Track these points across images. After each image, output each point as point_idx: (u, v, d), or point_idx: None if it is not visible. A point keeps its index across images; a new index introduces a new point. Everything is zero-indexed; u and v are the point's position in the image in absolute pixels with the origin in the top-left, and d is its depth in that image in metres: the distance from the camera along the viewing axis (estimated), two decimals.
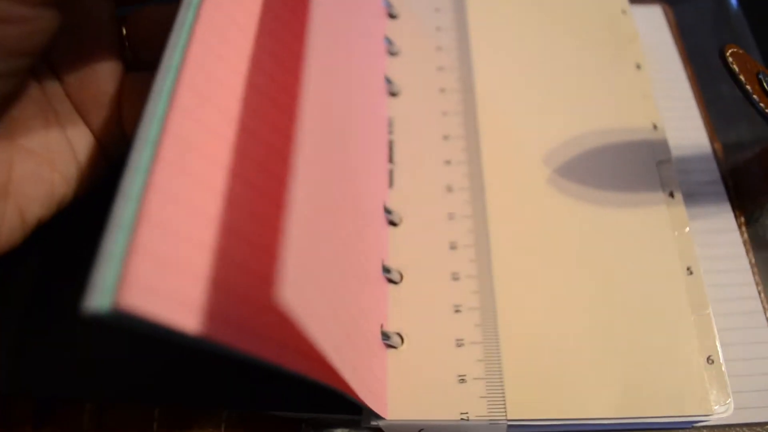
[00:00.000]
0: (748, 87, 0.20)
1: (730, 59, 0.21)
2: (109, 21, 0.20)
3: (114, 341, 0.20)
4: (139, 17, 0.22)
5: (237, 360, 0.12)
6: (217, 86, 0.14)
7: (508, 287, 0.21)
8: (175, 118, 0.12)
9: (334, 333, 0.14)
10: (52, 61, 0.20)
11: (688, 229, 0.22)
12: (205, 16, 0.14)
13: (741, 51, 0.21)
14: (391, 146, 0.24)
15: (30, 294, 0.22)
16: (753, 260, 0.23)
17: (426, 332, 0.20)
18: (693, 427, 0.20)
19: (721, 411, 0.19)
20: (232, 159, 0.14)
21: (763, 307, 0.22)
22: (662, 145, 0.24)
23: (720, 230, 0.24)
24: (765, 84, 0.21)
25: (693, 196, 0.24)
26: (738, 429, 0.20)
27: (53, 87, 0.20)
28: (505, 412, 0.19)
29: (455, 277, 0.21)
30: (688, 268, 0.21)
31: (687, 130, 0.26)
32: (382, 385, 0.19)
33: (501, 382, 0.19)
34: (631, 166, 0.24)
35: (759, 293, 0.23)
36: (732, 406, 0.19)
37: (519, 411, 0.19)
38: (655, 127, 0.25)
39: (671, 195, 0.23)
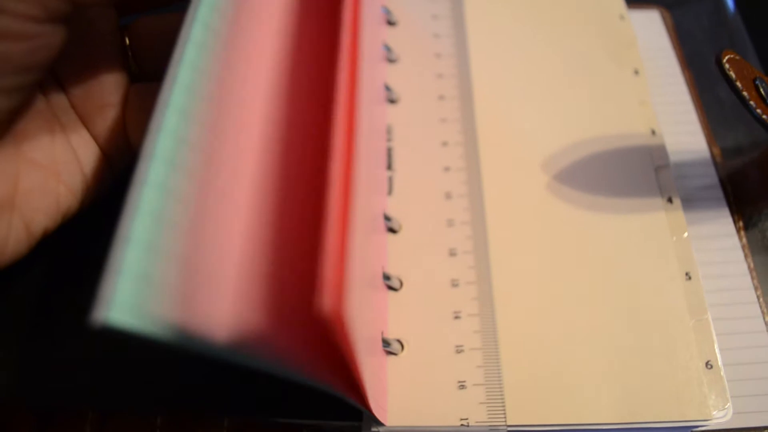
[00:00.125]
0: (745, 93, 0.21)
1: (727, 65, 0.21)
2: (112, 32, 0.20)
3: (115, 350, 0.20)
4: (141, 27, 0.22)
5: (246, 369, 0.12)
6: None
7: (507, 293, 0.21)
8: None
9: (360, 342, 0.14)
10: (57, 72, 0.20)
11: (686, 234, 0.22)
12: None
13: (738, 57, 0.21)
14: (390, 153, 0.24)
15: (33, 303, 0.22)
16: (752, 265, 0.23)
17: (426, 339, 0.20)
18: None
19: (720, 416, 0.19)
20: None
21: (762, 312, 0.22)
22: (660, 151, 0.24)
23: (718, 235, 0.24)
24: (762, 90, 0.21)
25: (691, 201, 0.25)
26: None
27: (58, 98, 0.20)
28: (505, 417, 0.19)
29: (455, 284, 0.21)
30: (686, 274, 0.21)
31: (685, 135, 0.27)
32: (383, 391, 0.19)
33: (500, 388, 0.19)
34: (630, 172, 0.24)
35: (758, 298, 0.23)
36: (731, 410, 0.19)
37: (518, 417, 0.19)
38: (653, 132, 0.25)
39: (670, 200, 0.23)
